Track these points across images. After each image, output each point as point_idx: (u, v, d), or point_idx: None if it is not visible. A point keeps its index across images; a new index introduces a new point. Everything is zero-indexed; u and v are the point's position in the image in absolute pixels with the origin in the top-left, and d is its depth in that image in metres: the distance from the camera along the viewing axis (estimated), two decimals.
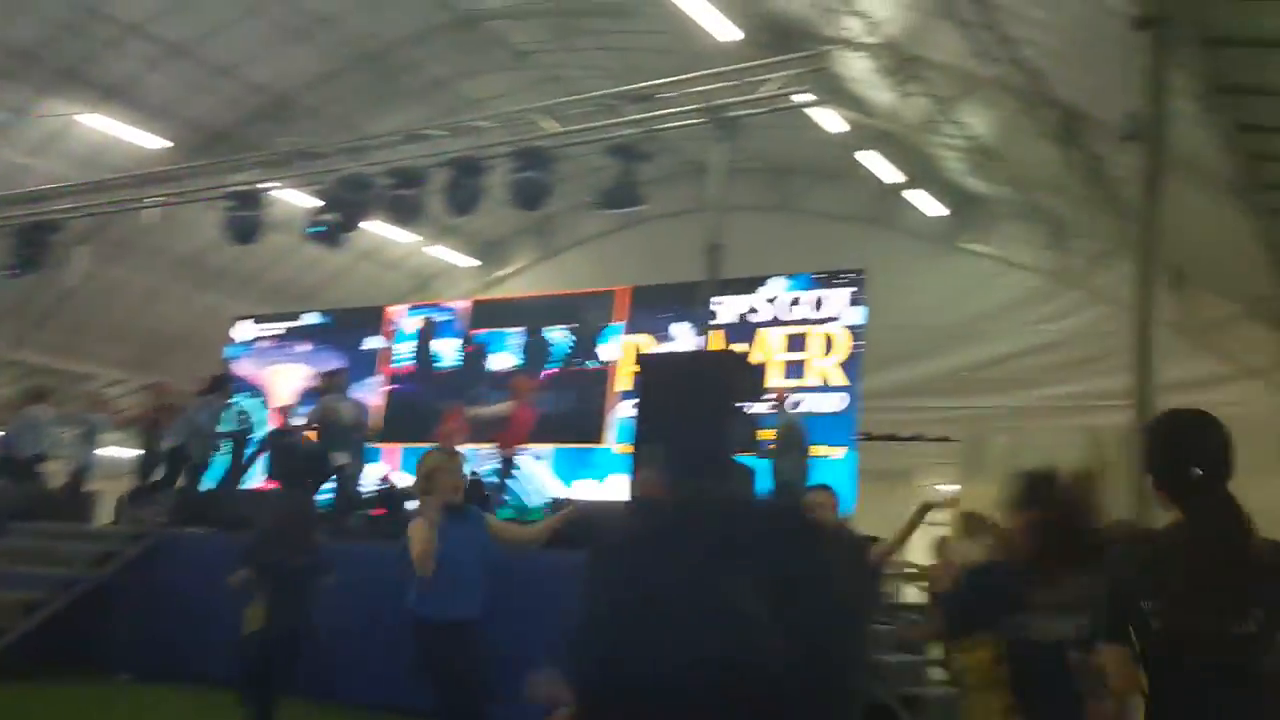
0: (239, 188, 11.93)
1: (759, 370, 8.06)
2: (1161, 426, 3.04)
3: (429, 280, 22.68)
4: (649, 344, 13.22)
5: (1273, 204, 7.69)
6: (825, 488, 5.78)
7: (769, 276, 12.69)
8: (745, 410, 7.23)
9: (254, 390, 15.62)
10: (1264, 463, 10.91)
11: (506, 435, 11.57)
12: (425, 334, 15.09)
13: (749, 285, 12.68)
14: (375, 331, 15.63)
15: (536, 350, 14.22)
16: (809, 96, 8.95)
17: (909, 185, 14.24)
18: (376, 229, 15.34)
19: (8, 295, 18.85)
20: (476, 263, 21.87)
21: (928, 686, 9.82)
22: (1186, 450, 2.89)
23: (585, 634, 0.64)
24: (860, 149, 13.02)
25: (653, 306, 13.51)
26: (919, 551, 13.84)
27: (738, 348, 12.19)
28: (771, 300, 12.64)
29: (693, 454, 6.70)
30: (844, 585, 0.58)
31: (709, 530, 0.63)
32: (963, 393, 13.92)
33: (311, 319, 16.40)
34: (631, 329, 13.65)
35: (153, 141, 17.17)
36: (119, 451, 19.63)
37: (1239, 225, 8.05)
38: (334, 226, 11.18)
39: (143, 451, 12.97)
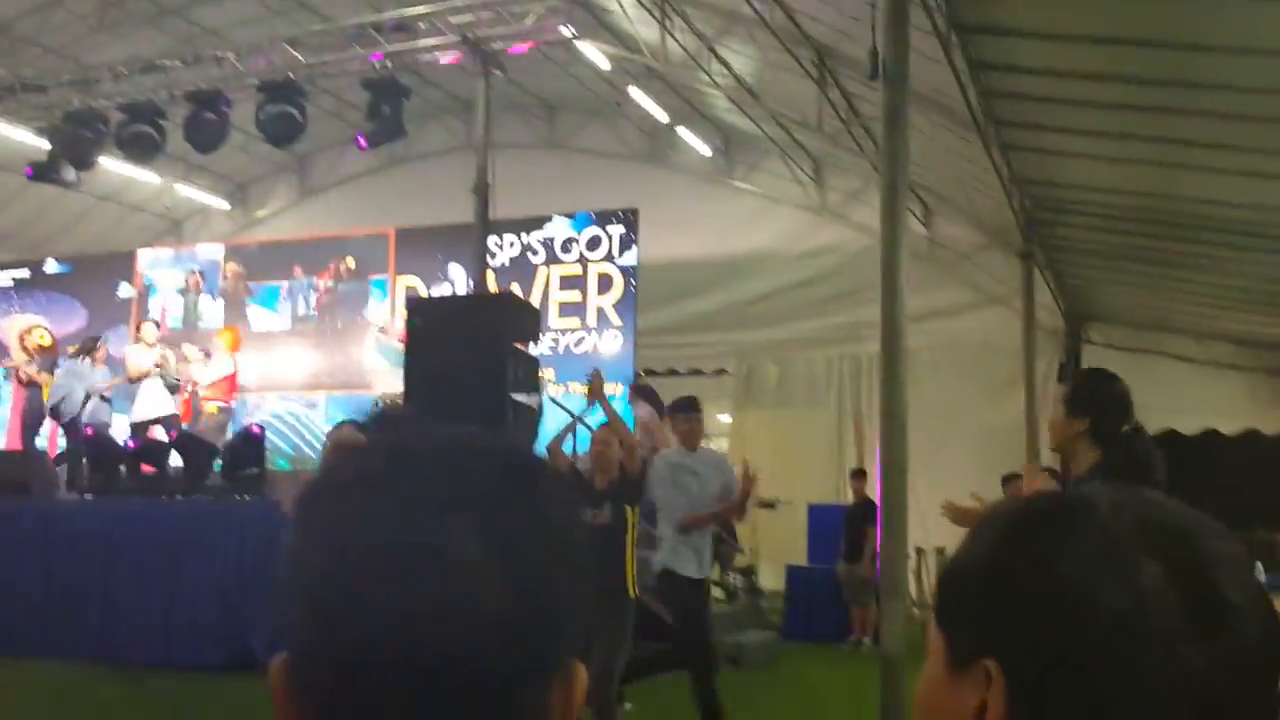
0: None
1: (535, 310, 7.97)
2: (1103, 382, 3.63)
3: (180, 222, 21.19)
4: (421, 287, 12.92)
5: (1007, 139, 8.19)
6: (607, 425, 5.84)
7: (548, 217, 12.62)
8: (524, 351, 7.13)
9: None
10: (1007, 381, 11.88)
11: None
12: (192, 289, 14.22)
13: (527, 225, 12.58)
14: (123, 279, 14.56)
15: (301, 297, 13.66)
16: (572, 30, 8.82)
17: (679, 123, 14.40)
18: (119, 168, 14.13)
19: None
20: (226, 205, 20.60)
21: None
22: (1125, 404, 3.47)
23: (292, 585, 0.58)
24: (630, 85, 13.02)
25: (424, 248, 13.20)
26: None
27: (515, 289, 12.11)
28: (547, 240, 12.58)
29: (469, 397, 6.59)
30: (570, 531, 0.55)
31: (427, 474, 0.59)
32: (734, 327, 14.37)
33: (51, 268, 15.11)
34: (402, 270, 13.29)
35: None
36: None
37: (980, 160, 8.55)
38: (64, 166, 10.21)
39: None
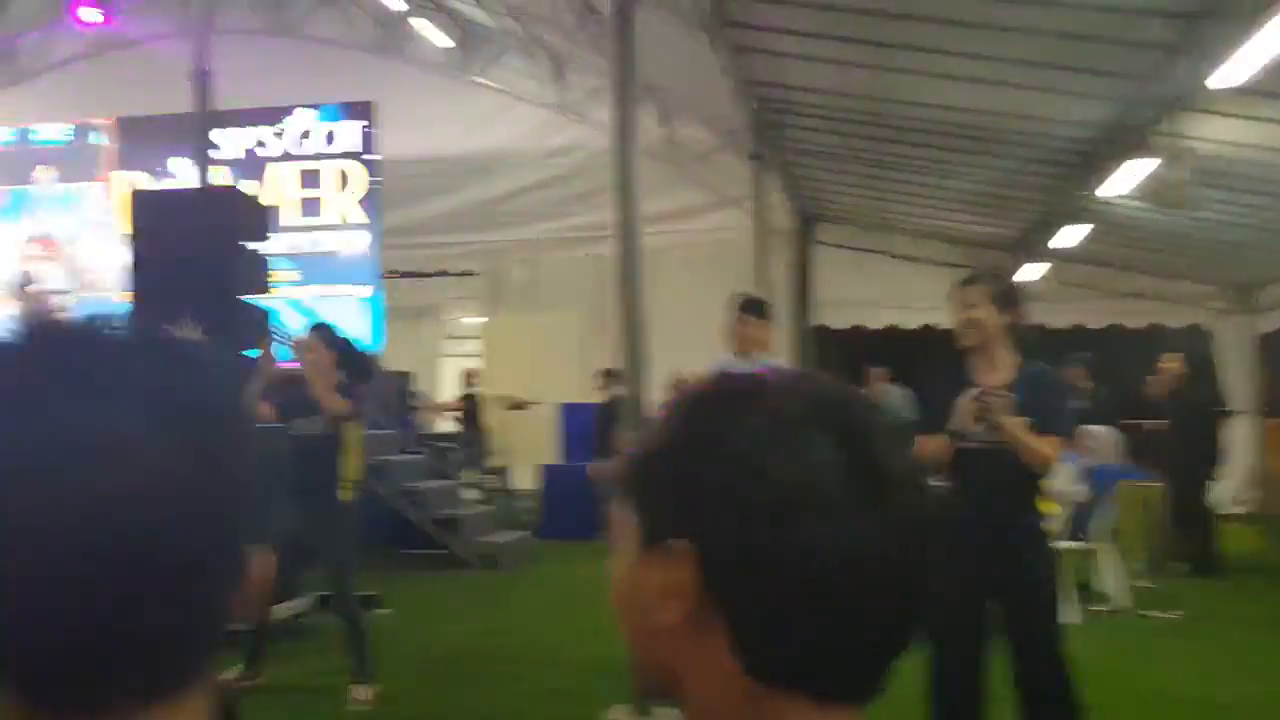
0: None
1: (262, 207, 7.66)
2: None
3: None
4: (145, 181, 12.06)
5: (736, 40, 8.42)
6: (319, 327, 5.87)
7: (288, 109, 11.95)
8: (252, 250, 6.88)
9: None
10: (741, 279, 12.49)
11: None
12: None
13: (264, 117, 11.89)
14: None
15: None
16: None
17: (414, 14, 13.93)
18: None
19: None
20: None
21: (463, 508, 10.42)
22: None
23: None
24: None
25: (146, 140, 12.28)
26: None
27: (246, 185, 11.51)
28: (280, 134, 12.00)
29: (196, 296, 6.33)
30: (230, 418, 0.56)
31: (77, 357, 0.60)
32: (482, 227, 14.26)
33: None
34: (125, 164, 12.35)
35: None
36: None
37: (712, 62, 8.77)
38: None
39: None
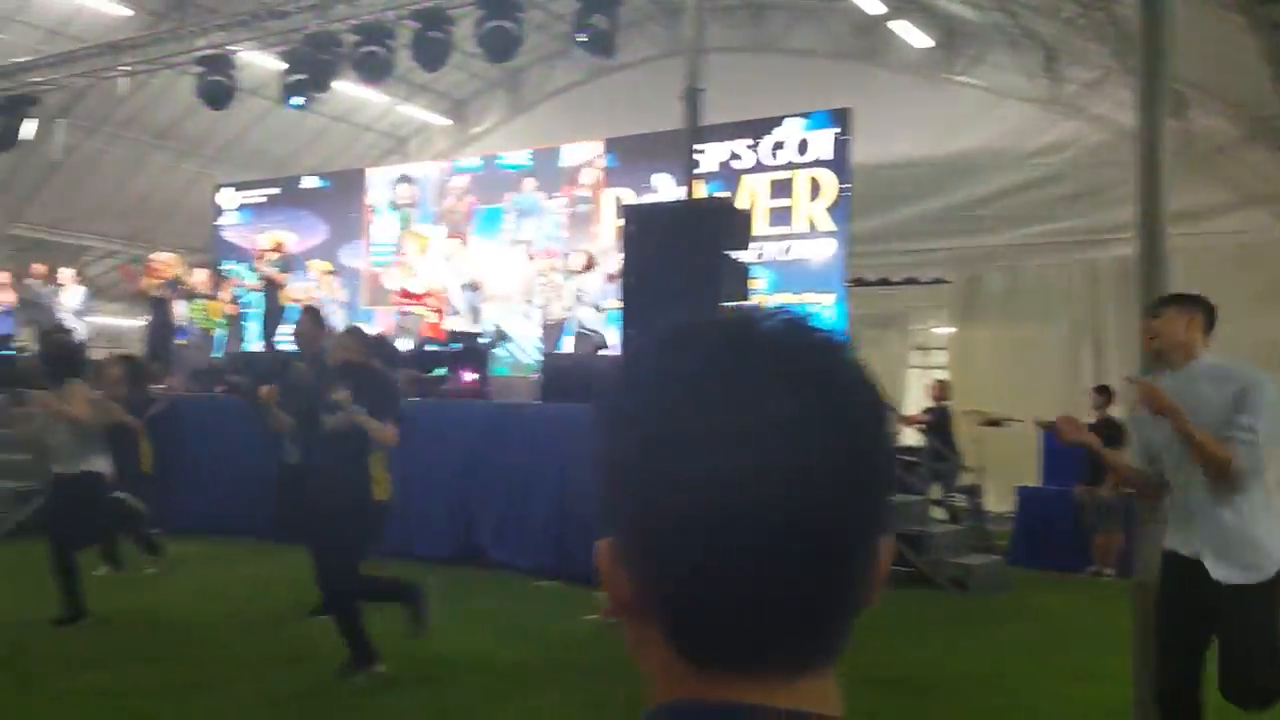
0: (207, 52, 11.55)
1: (747, 216, 7.88)
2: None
3: (405, 140, 22.21)
4: (630, 197, 13.04)
5: (1275, 17, 7.36)
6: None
7: (777, 120, 12.13)
8: (734, 259, 7.11)
9: (242, 256, 15.49)
10: (1269, 291, 10.85)
11: None
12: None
13: (753, 129, 12.31)
14: (359, 195, 15.44)
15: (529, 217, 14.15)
16: None
17: (893, 16, 13.73)
18: (350, 90, 14.92)
19: None
20: (449, 121, 21.37)
21: (931, 525, 10.00)
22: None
23: (617, 466, 0.67)
24: None
25: (631, 157, 13.27)
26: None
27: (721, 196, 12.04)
28: (754, 145, 12.38)
29: (681, 304, 6.65)
30: (882, 405, 0.61)
31: (756, 346, 0.66)
32: (956, 233, 13.70)
33: (310, 183, 16.12)
34: (611, 182, 13.44)
35: (116, 9, 16.54)
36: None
37: (1242, 43, 7.73)
38: (304, 87, 10.86)
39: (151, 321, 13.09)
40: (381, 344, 6.58)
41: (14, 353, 12.93)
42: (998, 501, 12.14)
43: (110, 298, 20.61)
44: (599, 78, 16.82)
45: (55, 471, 6.44)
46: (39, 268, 14.24)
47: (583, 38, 9.13)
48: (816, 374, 0.66)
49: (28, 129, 13.59)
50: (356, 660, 5.40)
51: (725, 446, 0.62)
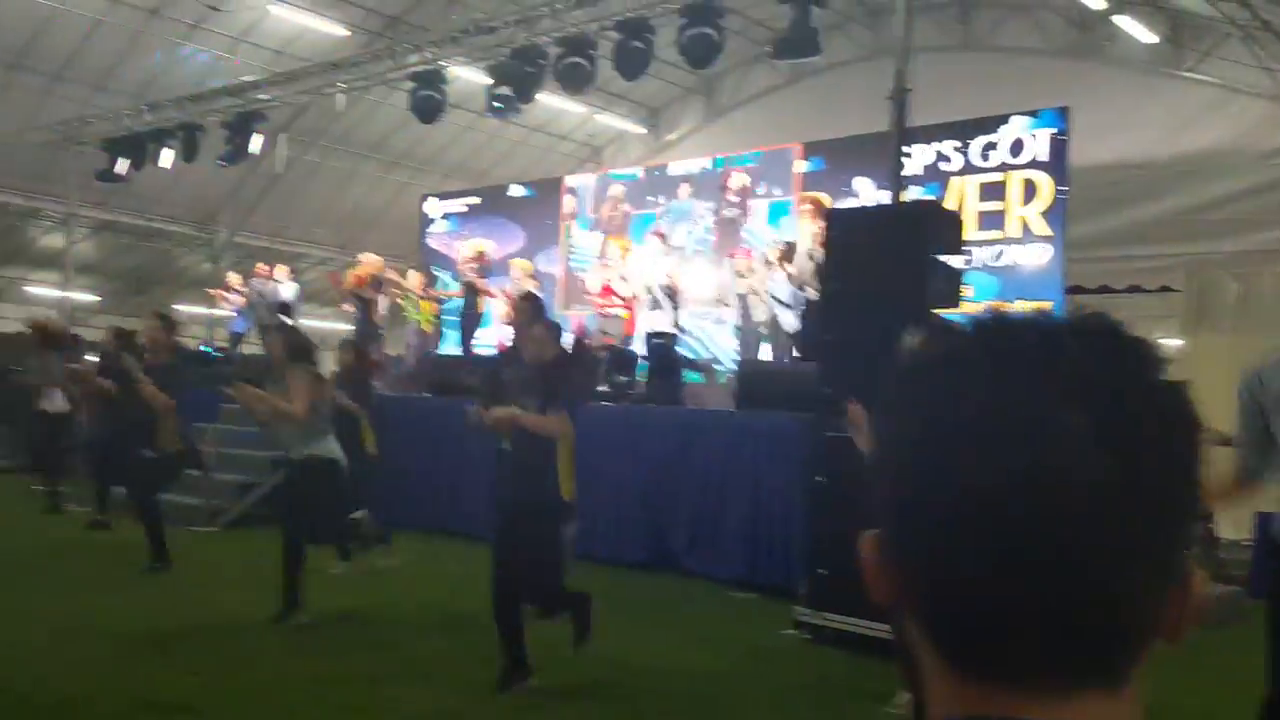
0: (419, 68, 12.06)
1: (958, 219, 7.52)
2: None
3: (600, 149, 22.61)
4: (825, 200, 12.79)
5: None
6: None
7: (1003, 118, 11.55)
8: (946, 263, 6.81)
9: (445, 264, 16.08)
10: None
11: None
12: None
13: (967, 130, 11.83)
14: (556, 202, 15.77)
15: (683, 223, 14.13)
16: None
17: (1115, 11, 12.95)
18: (549, 101, 15.29)
19: (224, 183, 20.09)
20: (644, 129, 21.61)
21: None
22: None
23: (889, 462, 0.67)
24: None
25: (831, 161, 13.01)
26: None
27: (931, 199, 11.63)
28: (963, 147, 11.90)
29: (887, 310, 6.41)
30: (1185, 421, 0.56)
31: (1025, 348, 0.64)
32: (1183, 238, 12.75)
33: (515, 192, 16.57)
34: (807, 186, 13.21)
35: (335, 29, 17.55)
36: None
37: None
38: (509, 99, 11.17)
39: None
40: (578, 345, 6.52)
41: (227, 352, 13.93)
42: (1235, 528, 11.20)
43: (320, 302, 21.90)
44: (797, 82, 16.62)
45: (288, 458, 6.62)
46: (262, 267, 15.23)
47: (783, 46, 8.97)
48: (1117, 384, 0.62)
49: (255, 144, 14.54)
50: (511, 673, 5.24)
51: (1008, 448, 0.60)
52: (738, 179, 13.80)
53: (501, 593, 5.23)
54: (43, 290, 22.31)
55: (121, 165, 15.42)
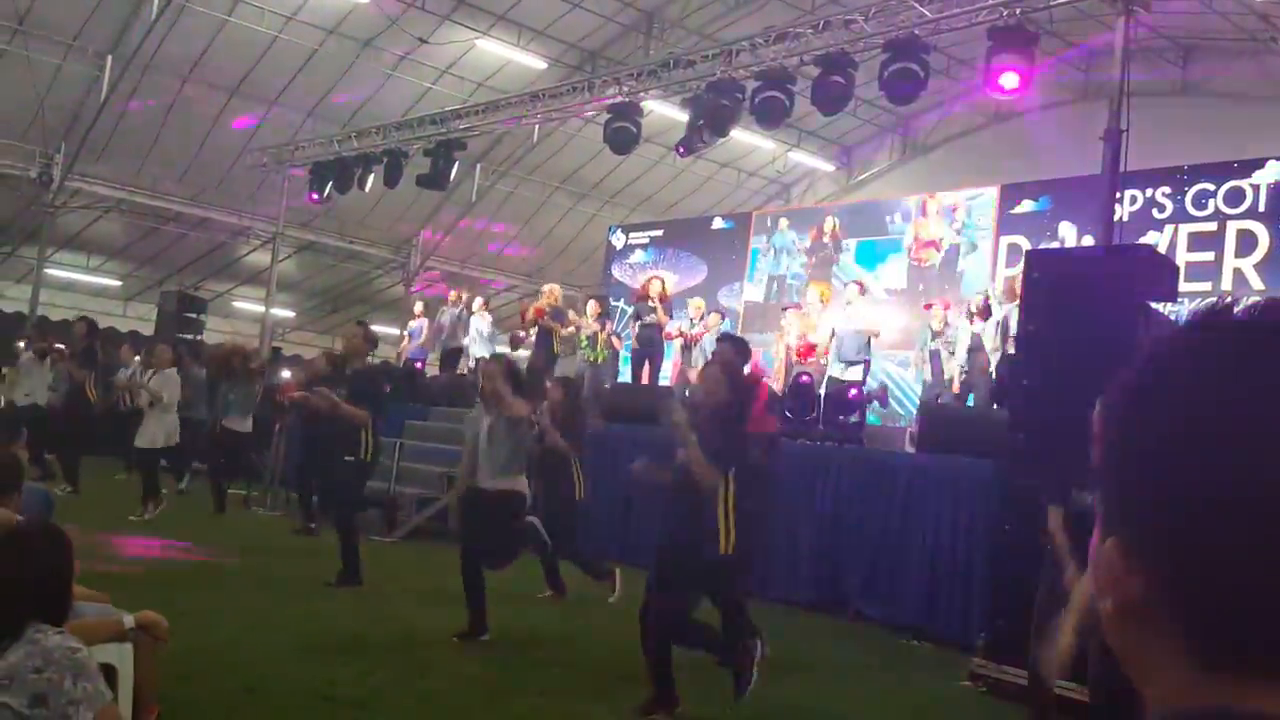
0: (616, 100, 12.31)
1: (1173, 266, 7.12)
2: None
3: (789, 186, 22.56)
4: (1024, 244, 12.35)
5: None
6: None
7: (1264, 160, 10.93)
8: (1158, 311, 6.45)
9: (628, 294, 16.30)
10: None
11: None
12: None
13: (1180, 178, 11.25)
14: (744, 237, 15.81)
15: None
16: None
17: None
18: (740, 136, 15.37)
19: (420, 209, 21.07)
20: (832, 167, 21.43)
21: None
22: None
23: (1145, 462, 0.64)
24: None
25: (1032, 204, 12.57)
26: None
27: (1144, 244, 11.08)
28: (1176, 194, 11.29)
29: (1091, 358, 6.12)
30: None
31: None
32: None
33: (716, 225, 16.64)
34: (1005, 230, 12.79)
35: (535, 63, 18.20)
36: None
37: None
38: (703, 134, 11.26)
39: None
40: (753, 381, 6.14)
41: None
42: None
43: (505, 329, 22.62)
44: (997, 123, 16.20)
45: (475, 485, 6.48)
46: (453, 294, 15.70)
47: (995, 75, 8.70)
48: None
49: (453, 171, 15.16)
50: (657, 700, 5.14)
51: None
52: (830, 222, 14.07)
53: (655, 626, 5.18)
54: (247, 305, 23.84)
55: (328, 189, 16.29)
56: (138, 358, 12.95)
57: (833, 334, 11.57)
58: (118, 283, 23.78)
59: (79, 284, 23.10)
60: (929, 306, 11.92)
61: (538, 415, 7.52)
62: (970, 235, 13.27)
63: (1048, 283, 6.76)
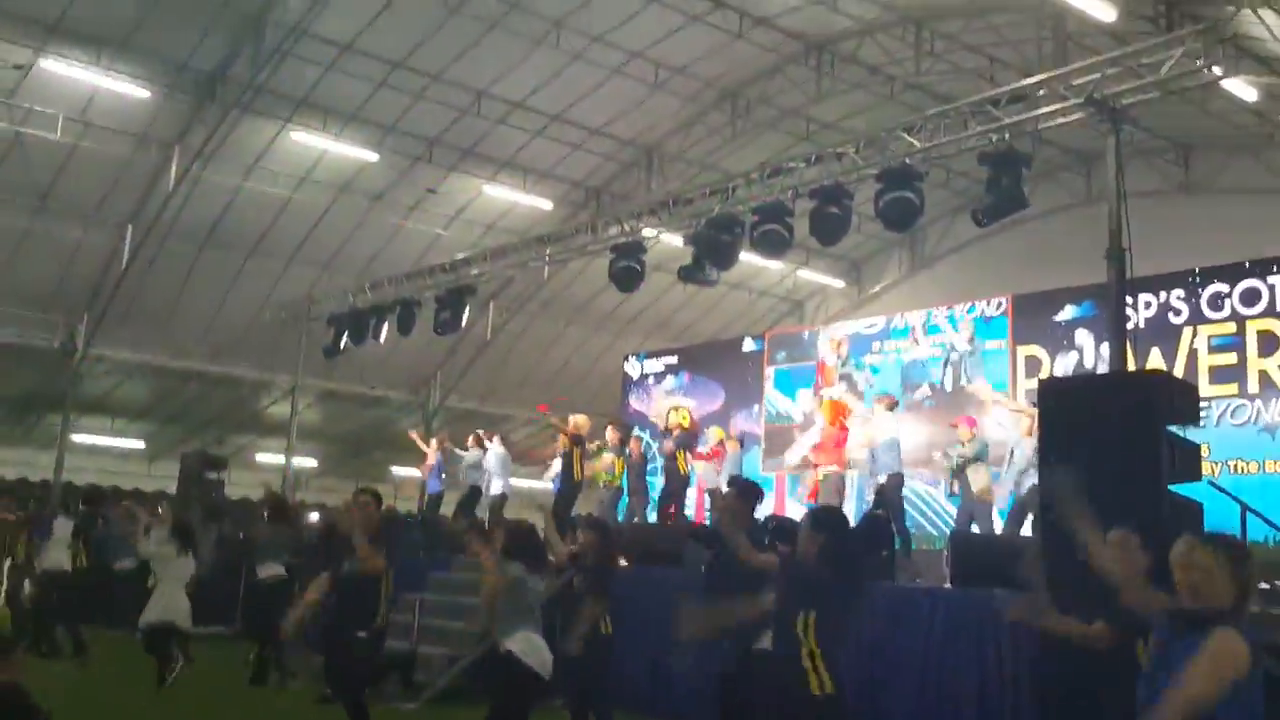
0: (619, 239, 12.44)
1: (1193, 389, 6.95)
2: None
3: (801, 303, 22.63)
4: (1044, 357, 12.22)
5: None
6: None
7: (1273, 259, 10.75)
8: (1181, 436, 6.28)
9: (646, 423, 16.17)
10: None
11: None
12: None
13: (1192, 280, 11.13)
14: (759, 359, 15.68)
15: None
16: (1218, 71, 7.71)
17: None
18: (749, 257, 15.49)
19: (436, 350, 21.20)
20: (842, 283, 21.51)
21: None
22: None
23: None
24: None
25: (1045, 315, 12.45)
26: None
27: (1155, 354, 10.92)
28: (1190, 297, 11.17)
29: (1115, 488, 5.94)
30: None
31: None
32: None
33: (747, 346, 16.29)
34: (1020, 339, 12.65)
35: (541, 203, 18.55)
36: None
37: None
38: (707, 267, 11.31)
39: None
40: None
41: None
42: None
43: (526, 462, 22.46)
44: (1004, 231, 16.27)
45: (496, 643, 6.13)
46: (471, 438, 15.49)
47: (981, 211, 8.74)
48: None
49: (466, 315, 15.25)
50: None
51: None
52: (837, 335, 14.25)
53: None
54: (268, 457, 23.86)
55: (344, 340, 16.40)
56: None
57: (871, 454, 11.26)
58: (141, 444, 23.94)
59: (102, 448, 23.24)
60: (956, 425, 11.66)
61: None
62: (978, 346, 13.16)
63: (1063, 412, 6.61)
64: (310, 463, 24.92)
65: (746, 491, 6.48)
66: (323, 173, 17.63)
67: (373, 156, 17.20)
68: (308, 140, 16.77)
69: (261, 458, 24.27)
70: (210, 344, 20.18)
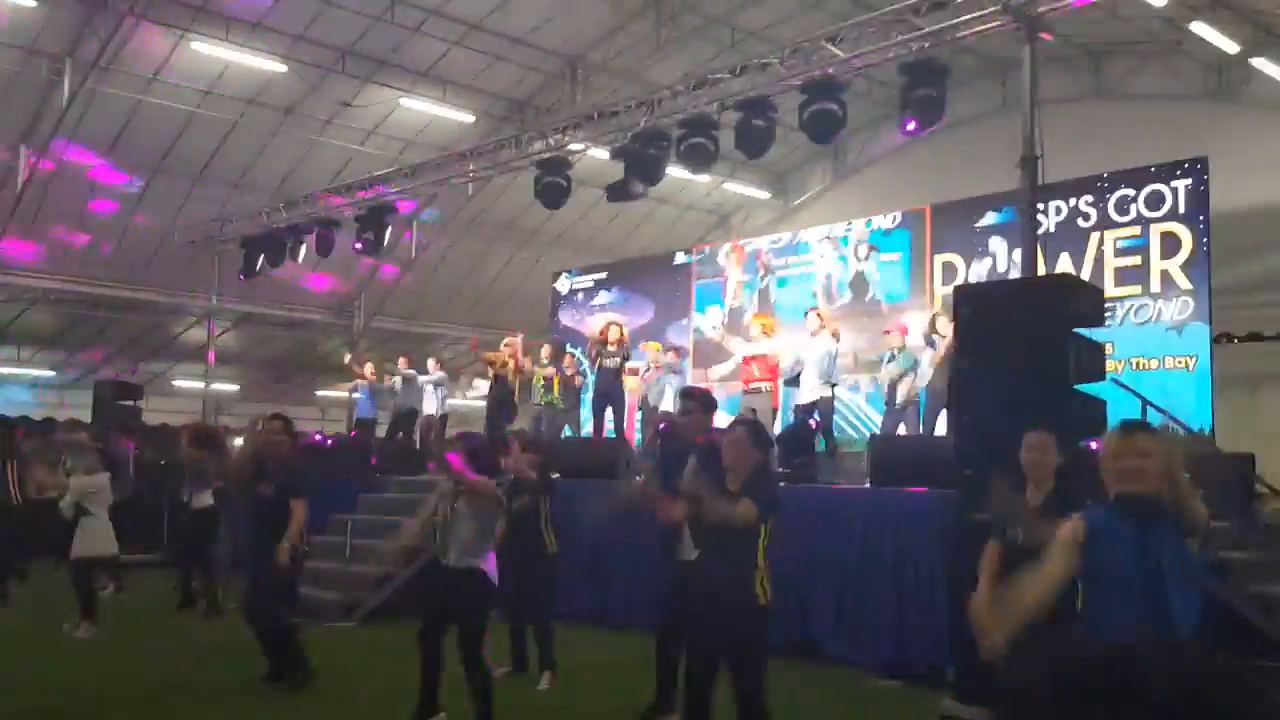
0: (543, 155, 12.34)
1: (1099, 291, 7.25)
2: None
3: (728, 216, 22.73)
4: (959, 264, 12.53)
5: None
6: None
7: (1149, 166, 11.11)
8: (1086, 337, 6.57)
9: (577, 340, 16.25)
10: None
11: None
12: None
13: (1098, 186, 11.44)
14: (686, 273, 15.81)
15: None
16: None
17: (1251, 53, 12.46)
18: (675, 172, 15.49)
19: (360, 271, 20.92)
20: (768, 195, 21.64)
21: None
22: None
23: None
24: (1190, 21, 11.49)
25: (962, 221, 12.74)
26: None
27: (1065, 259, 11.29)
28: (1099, 202, 11.52)
29: (1025, 389, 6.23)
30: None
31: None
32: None
33: (679, 260, 16.21)
34: (940, 248, 12.95)
35: (463, 117, 18.21)
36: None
37: None
38: (634, 182, 11.30)
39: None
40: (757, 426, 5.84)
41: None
42: None
43: (455, 379, 22.46)
44: (926, 140, 16.49)
45: (444, 563, 6.06)
46: (402, 360, 15.42)
47: (910, 120, 8.87)
48: None
49: (388, 233, 15.06)
50: None
51: None
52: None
53: (695, 705, 5.04)
54: (187, 383, 23.44)
55: (260, 262, 16.10)
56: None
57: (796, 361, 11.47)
58: (52, 373, 23.31)
59: (9, 377, 22.59)
60: (888, 332, 11.91)
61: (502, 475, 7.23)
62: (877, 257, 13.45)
63: (977, 316, 6.85)
64: (232, 388, 24.55)
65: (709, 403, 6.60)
66: (227, 86, 17.01)
67: (281, 68, 16.58)
68: (209, 51, 15.93)
69: (180, 384, 23.85)
70: (118, 268, 19.59)
